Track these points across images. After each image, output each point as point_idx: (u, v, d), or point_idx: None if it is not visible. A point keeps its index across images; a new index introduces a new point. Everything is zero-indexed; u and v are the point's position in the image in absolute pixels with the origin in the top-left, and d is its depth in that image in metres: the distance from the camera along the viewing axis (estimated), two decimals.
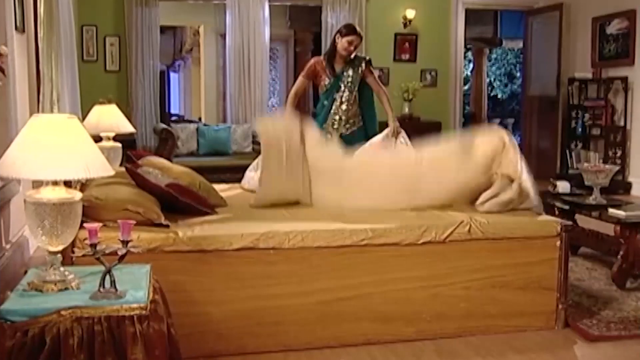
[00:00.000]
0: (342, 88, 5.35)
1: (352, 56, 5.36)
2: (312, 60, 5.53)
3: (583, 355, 3.60)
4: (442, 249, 3.64)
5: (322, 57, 5.51)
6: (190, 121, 11.84)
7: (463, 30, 10.38)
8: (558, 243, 3.77)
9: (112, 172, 2.64)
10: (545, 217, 4.02)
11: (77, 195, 2.59)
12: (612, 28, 9.03)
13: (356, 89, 5.37)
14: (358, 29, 5.42)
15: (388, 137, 5.17)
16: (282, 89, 15.15)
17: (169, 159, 7.42)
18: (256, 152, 9.14)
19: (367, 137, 5.23)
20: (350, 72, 5.35)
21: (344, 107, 5.34)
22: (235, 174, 5.01)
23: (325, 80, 5.39)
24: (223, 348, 3.39)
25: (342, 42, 5.29)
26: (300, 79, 5.53)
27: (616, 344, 3.65)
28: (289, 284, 3.45)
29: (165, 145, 8.49)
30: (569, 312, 3.88)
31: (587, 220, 4.98)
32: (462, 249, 3.67)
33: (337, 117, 5.34)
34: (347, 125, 5.37)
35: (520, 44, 12.36)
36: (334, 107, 5.35)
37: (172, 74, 18.98)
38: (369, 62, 5.43)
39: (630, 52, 8.69)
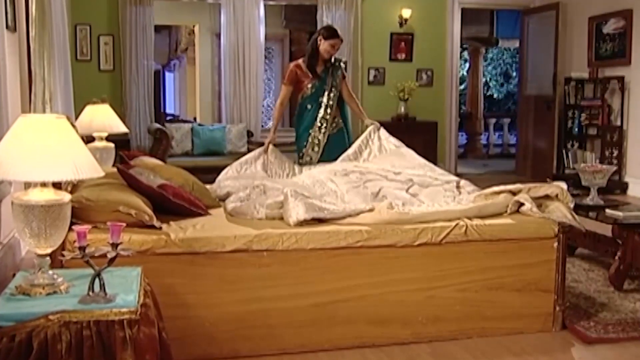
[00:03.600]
0: (327, 91, 5.44)
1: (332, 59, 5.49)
2: (291, 66, 5.58)
3: (581, 357, 3.56)
4: (438, 250, 3.60)
5: (300, 61, 5.54)
6: (185, 121, 11.78)
7: (459, 29, 10.35)
8: (555, 244, 3.73)
9: (102, 174, 2.59)
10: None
11: (65, 196, 2.54)
12: (609, 27, 9.00)
13: (338, 90, 5.49)
14: (339, 31, 5.53)
15: (371, 134, 5.27)
16: (277, 88, 15.08)
17: (163, 159, 7.38)
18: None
19: (348, 134, 5.60)
20: (333, 75, 5.47)
21: (329, 109, 5.46)
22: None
23: (309, 85, 5.46)
24: (216, 351, 3.34)
25: (324, 45, 5.38)
26: (283, 87, 5.61)
27: (614, 346, 3.61)
28: (282, 286, 3.41)
29: (160, 145, 8.44)
30: (566, 314, 3.85)
31: (584, 221, 4.93)
32: (458, 250, 3.62)
33: (324, 120, 5.44)
34: (333, 125, 5.51)
35: (517, 44, 12.34)
36: (321, 110, 5.41)
37: (167, 74, 18.89)
38: (346, 64, 5.66)
39: (627, 52, 8.66)
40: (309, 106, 5.47)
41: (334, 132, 5.51)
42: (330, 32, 5.39)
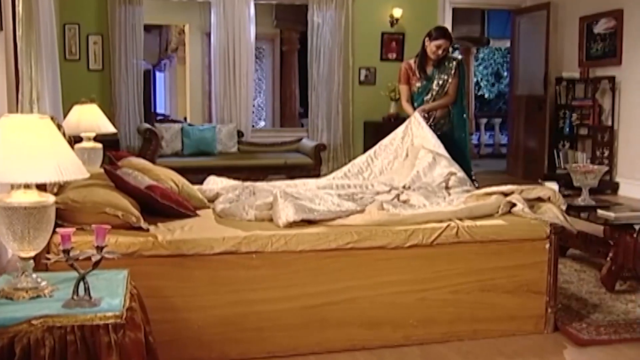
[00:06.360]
0: (432, 90, 5.42)
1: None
2: (403, 65, 5.62)
3: None
4: (429, 252, 3.56)
5: (412, 60, 5.56)
6: (175, 121, 11.72)
7: (450, 29, 10.32)
8: (547, 245, 3.70)
9: (86, 175, 2.54)
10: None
11: (49, 198, 2.48)
12: (600, 27, 9.00)
13: (446, 90, 5.42)
14: (449, 31, 5.48)
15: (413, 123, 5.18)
16: (268, 88, 15.04)
17: (153, 160, 7.33)
18: (242, 152, 9.07)
19: (457, 139, 5.39)
20: (441, 74, 5.42)
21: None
22: (220, 174, 4.90)
23: (417, 84, 5.47)
24: (205, 355, 3.30)
25: (430, 46, 5.39)
26: (402, 87, 5.61)
27: (606, 348, 3.59)
28: (272, 289, 3.36)
29: (149, 146, 8.38)
30: (558, 316, 3.82)
31: (575, 222, 4.91)
32: (449, 252, 3.59)
33: (429, 120, 5.34)
34: (438, 126, 5.39)
35: (508, 44, 12.35)
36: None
37: (158, 73, 18.82)
38: (460, 64, 5.51)
39: (618, 52, 8.67)
40: (415, 104, 5.45)
41: (442, 130, 5.35)
42: (437, 33, 5.39)
